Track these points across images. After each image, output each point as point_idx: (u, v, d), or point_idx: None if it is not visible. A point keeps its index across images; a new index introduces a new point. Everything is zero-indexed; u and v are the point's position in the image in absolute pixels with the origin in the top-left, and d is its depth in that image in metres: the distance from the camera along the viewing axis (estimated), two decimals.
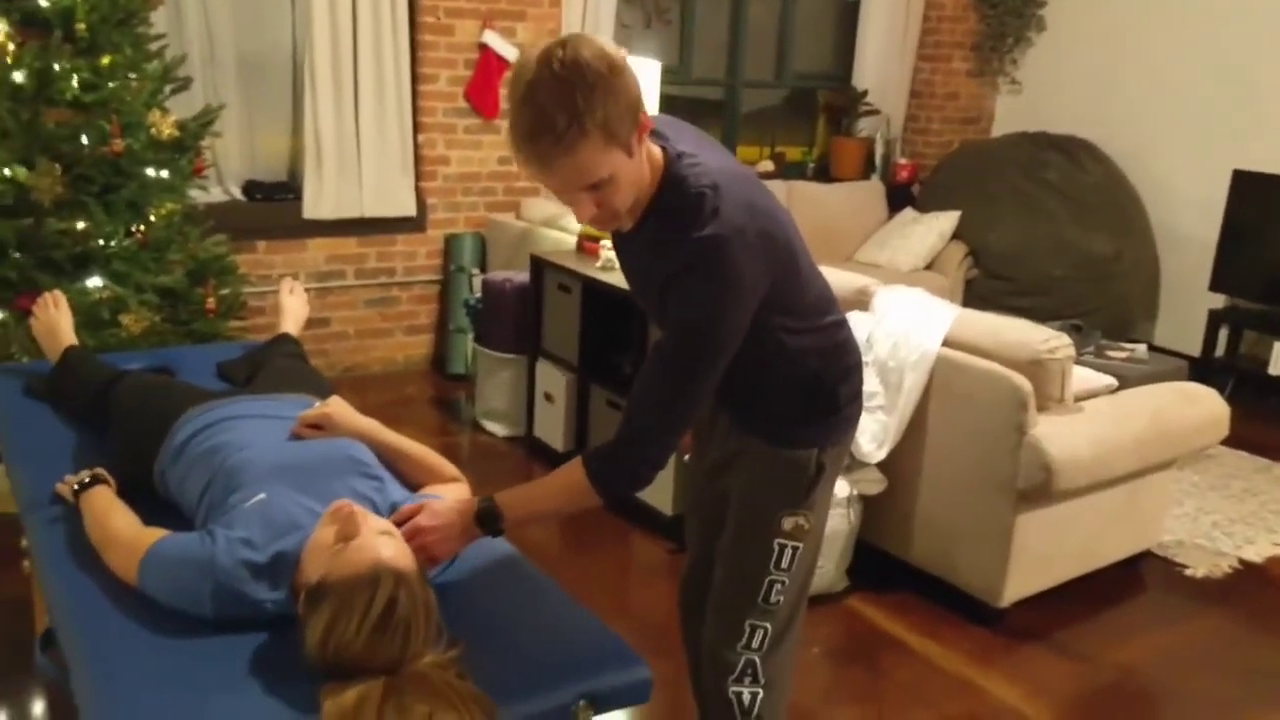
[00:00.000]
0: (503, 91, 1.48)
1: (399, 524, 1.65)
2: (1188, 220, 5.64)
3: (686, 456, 3.12)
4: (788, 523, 1.82)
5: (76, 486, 1.90)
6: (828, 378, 1.79)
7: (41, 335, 2.61)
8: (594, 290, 3.74)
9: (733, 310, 1.58)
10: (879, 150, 6.39)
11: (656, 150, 1.62)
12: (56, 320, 2.61)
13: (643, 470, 1.64)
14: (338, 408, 1.95)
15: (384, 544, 1.50)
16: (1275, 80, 5.29)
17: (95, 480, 1.90)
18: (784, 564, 1.84)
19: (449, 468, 1.95)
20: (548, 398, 4.04)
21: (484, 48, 4.87)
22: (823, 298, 1.78)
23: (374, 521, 1.55)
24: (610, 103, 1.45)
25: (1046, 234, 5.51)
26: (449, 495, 1.86)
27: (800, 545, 1.84)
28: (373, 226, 4.83)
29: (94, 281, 3.40)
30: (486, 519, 1.67)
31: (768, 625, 1.87)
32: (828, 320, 1.79)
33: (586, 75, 1.43)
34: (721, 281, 1.55)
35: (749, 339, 1.64)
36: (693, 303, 1.57)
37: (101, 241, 3.39)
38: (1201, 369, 5.05)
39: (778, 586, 1.85)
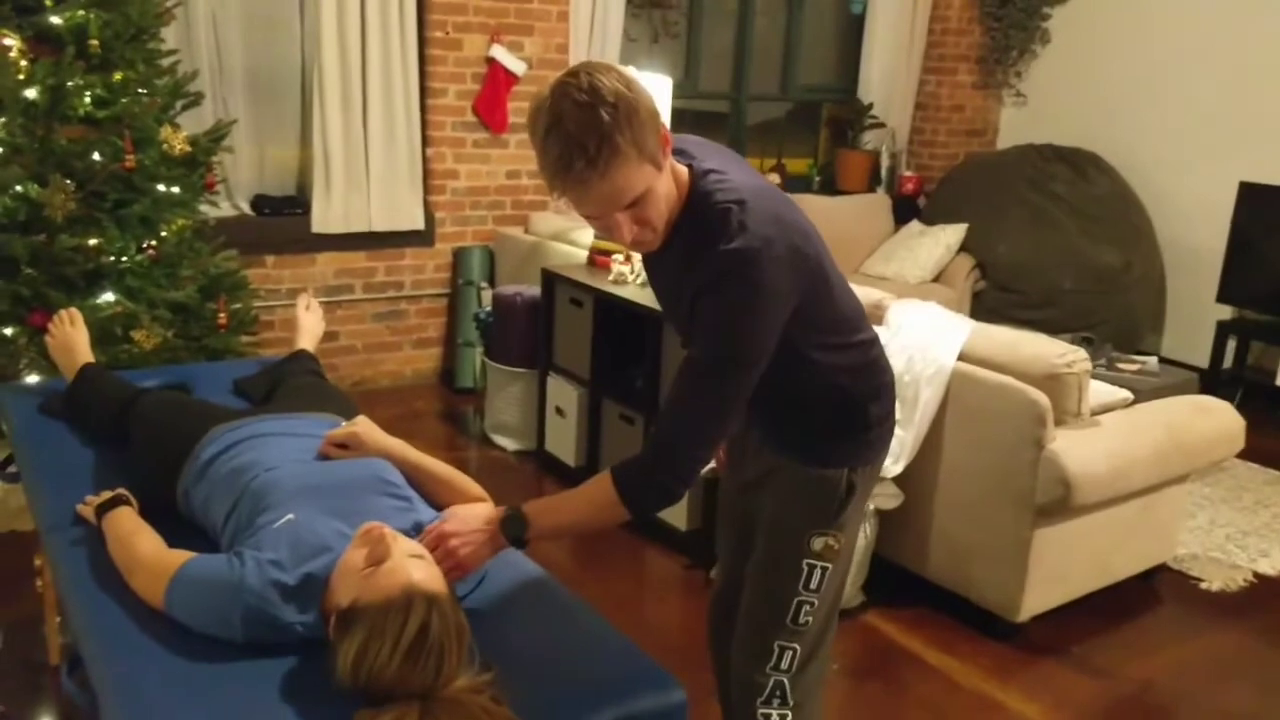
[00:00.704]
0: (528, 129, 1.48)
1: (426, 544, 1.64)
2: (1194, 232, 5.64)
3: (715, 472, 3.15)
4: (818, 543, 1.81)
5: (99, 507, 1.89)
6: (859, 396, 1.79)
7: (57, 353, 2.60)
8: (606, 304, 3.73)
9: (763, 322, 1.57)
10: (884, 163, 6.40)
11: (681, 168, 1.63)
12: (72, 337, 2.60)
13: (673, 486, 1.62)
14: (365, 427, 1.94)
15: (415, 567, 1.48)
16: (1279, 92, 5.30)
17: (118, 501, 1.89)
18: (813, 584, 1.83)
19: (475, 487, 1.94)
20: (559, 412, 4.03)
21: (492, 62, 4.87)
22: (854, 314, 1.77)
23: (405, 544, 1.54)
24: (635, 120, 1.46)
25: (1055, 246, 5.51)
26: None
27: (830, 566, 1.83)
28: (381, 240, 4.83)
29: (106, 297, 3.39)
30: (512, 525, 1.65)
31: (796, 646, 1.86)
32: (859, 338, 1.78)
33: (608, 96, 1.44)
34: (752, 293, 1.55)
35: (780, 356, 1.63)
36: (723, 316, 1.56)
37: (114, 258, 3.39)
38: (1209, 380, 5.05)
39: (806, 607, 1.84)
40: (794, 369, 1.70)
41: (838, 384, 1.76)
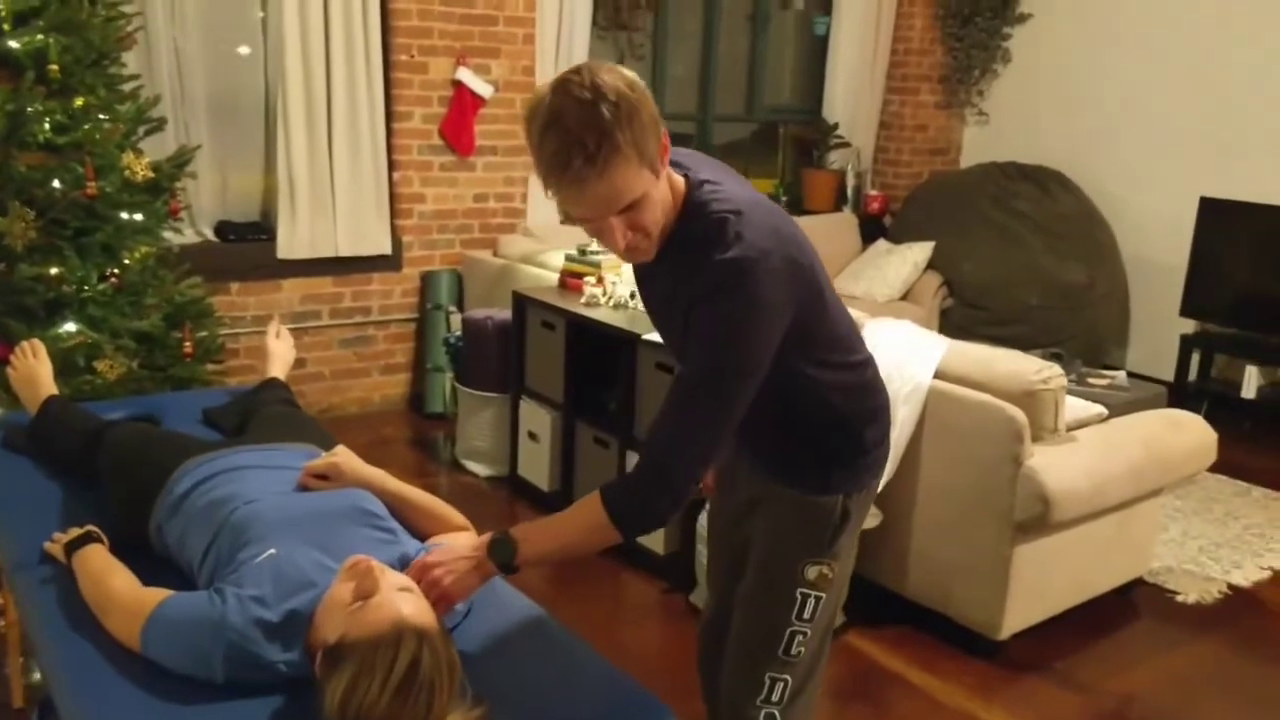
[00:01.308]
0: (524, 125, 1.43)
1: (411, 575, 1.59)
2: (1157, 247, 5.71)
3: (699, 495, 3.12)
4: (811, 572, 1.76)
5: (68, 545, 1.83)
6: (854, 418, 1.75)
7: (20, 385, 2.53)
8: (579, 327, 3.70)
9: (758, 335, 1.53)
10: (850, 182, 6.43)
11: (678, 177, 1.59)
12: (35, 369, 2.54)
13: (666, 505, 1.57)
14: (345, 457, 1.89)
15: (405, 601, 1.44)
16: (1239, 108, 5.39)
17: (88, 538, 1.83)
18: (806, 614, 1.78)
19: (457, 516, 1.90)
20: (532, 436, 3.99)
21: (458, 85, 4.85)
22: (849, 334, 1.74)
23: (393, 577, 1.50)
24: (636, 121, 1.42)
25: (1021, 263, 5.56)
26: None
27: (824, 595, 1.78)
28: (348, 265, 4.77)
29: (68, 328, 3.31)
30: (500, 550, 1.59)
31: (788, 678, 1.81)
32: (854, 358, 1.75)
33: (609, 95, 1.41)
34: (746, 304, 1.50)
35: (774, 375, 1.59)
36: (719, 327, 1.52)
37: (75, 287, 3.31)
38: (1176, 394, 5.10)
39: (799, 638, 1.79)
40: (788, 388, 1.67)
41: (832, 404, 1.72)
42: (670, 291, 1.62)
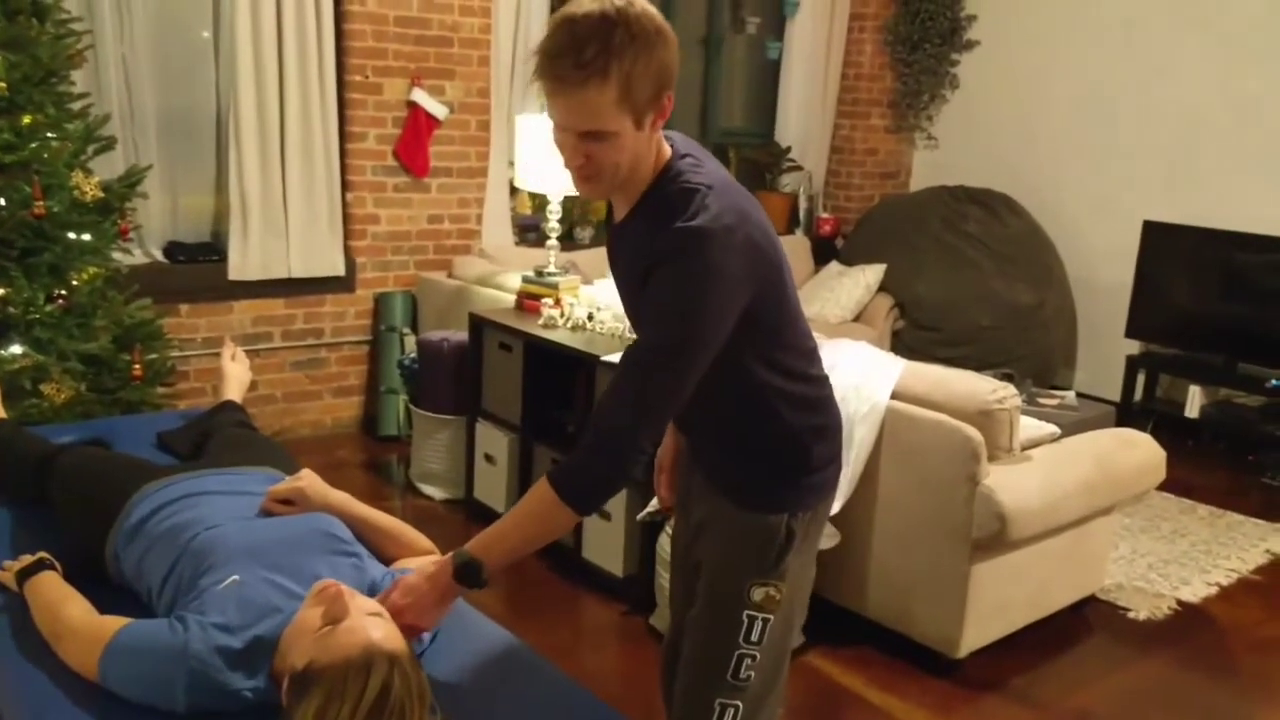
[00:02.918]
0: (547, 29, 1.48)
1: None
2: (1102, 270, 5.83)
3: (654, 516, 3.11)
4: (757, 593, 1.72)
5: (20, 573, 1.78)
6: (803, 434, 1.73)
7: None
8: (536, 348, 3.69)
9: (714, 302, 1.51)
10: (803, 205, 6.50)
11: (666, 147, 1.61)
12: None
13: (614, 475, 1.54)
14: (310, 481, 1.87)
15: (374, 625, 1.43)
16: (1181, 135, 5.53)
17: (41, 565, 1.79)
18: (754, 637, 1.74)
19: (422, 540, 1.89)
20: (488, 459, 3.96)
21: (413, 106, 4.83)
22: (807, 347, 1.74)
23: (361, 602, 1.48)
24: (642, 62, 1.43)
25: (971, 285, 5.64)
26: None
27: (771, 617, 1.74)
28: (300, 287, 4.72)
29: (14, 350, 3.24)
30: (467, 574, 1.56)
31: (739, 703, 1.76)
32: (811, 371, 1.75)
33: (632, 26, 1.42)
34: (704, 270, 1.49)
35: (726, 372, 1.58)
36: (673, 292, 1.51)
37: (21, 308, 3.24)
38: (1122, 413, 5.19)
39: (748, 661, 1.75)
40: (740, 391, 1.66)
41: (781, 416, 1.70)
42: (630, 257, 1.62)
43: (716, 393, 1.60)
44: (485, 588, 1.60)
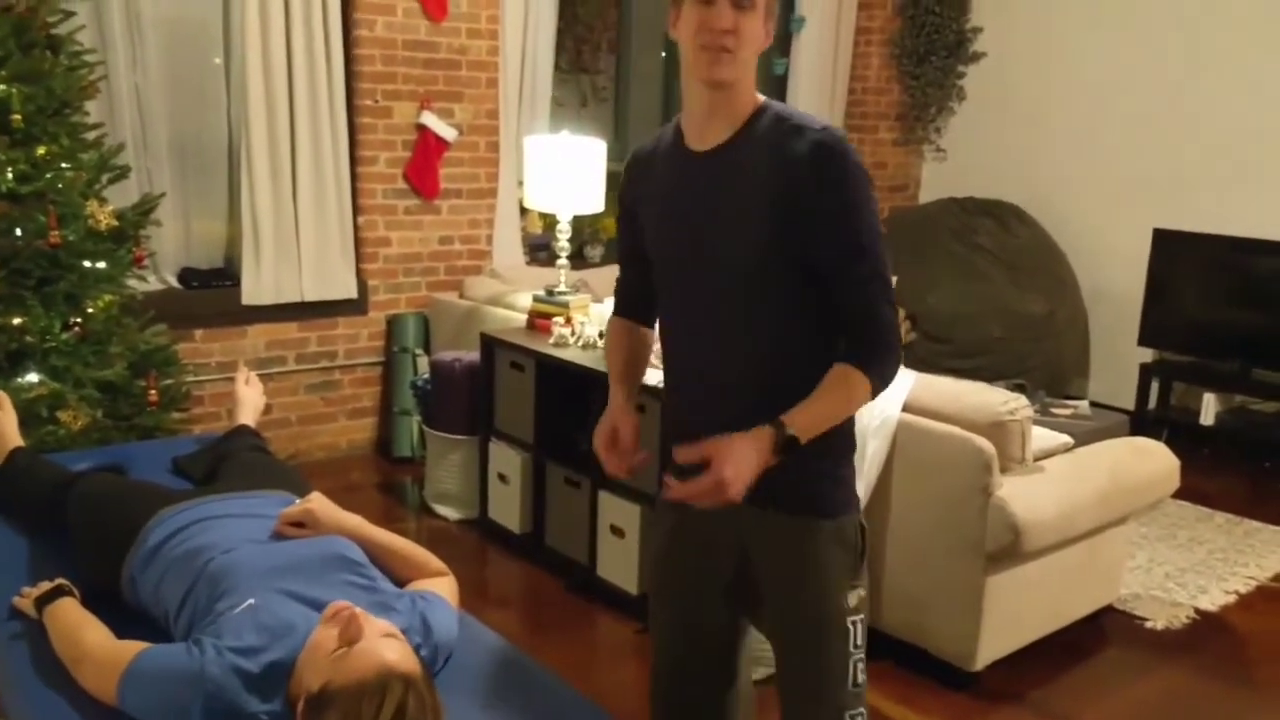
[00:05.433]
0: None
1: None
2: (1113, 278, 5.82)
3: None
4: (852, 598, 1.73)
5: (38, 600, 1.80)
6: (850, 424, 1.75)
7: None
8: (548, 367, 3.71)
9: (875, 203, 1.64)
10: None
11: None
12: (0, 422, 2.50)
13: (900, 358, 1.67)
14: (320, 504, 1.88)
15: (389, 647, 1.44)
16: (1190, 141, 5.53)
17: (59, 592, 1.81)
18: (858, 640, 1.74)
19: (435, 562, 1.90)
20: (502, 479, 3.97)
21: (422, 129, 4.86)
22: None
23: (376, 623, 1.49)
24: None
25: (983, 296, 5.64)
26: (439, 590, 1.80)
27: (864, 614, 1.76)
28: (313, 310, 4.75)
29: (30, 378, 3.28)
30: (788, 448, 1.57)
31: (862, 709, 1.77)
32: None
33: None
34: (861, 172, 1.60)
35: (819, 347, 1.65)
36: (853, 189, 1.58)
37: (38, 337, 3.28)
38: (1137, 422, 5.17)
39: (860, 665, 1.75)
40: (830, 357, 1.65)
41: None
42: (739, 175, 1.63)
43: (808, 362, 1.64)
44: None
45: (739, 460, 1.51)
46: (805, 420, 1.58)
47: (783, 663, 1.80)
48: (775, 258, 1.61)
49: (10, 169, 3.20)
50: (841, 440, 1.73)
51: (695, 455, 1.52)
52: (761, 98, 1.67)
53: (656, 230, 1.75)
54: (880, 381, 1.63)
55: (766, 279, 1.63)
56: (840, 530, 1.72)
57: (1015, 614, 3.07)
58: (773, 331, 1.66)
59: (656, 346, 1.91)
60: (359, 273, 4.85)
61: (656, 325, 1.89)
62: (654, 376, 2.69)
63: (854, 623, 1.73)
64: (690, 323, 1.73)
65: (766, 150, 1.60)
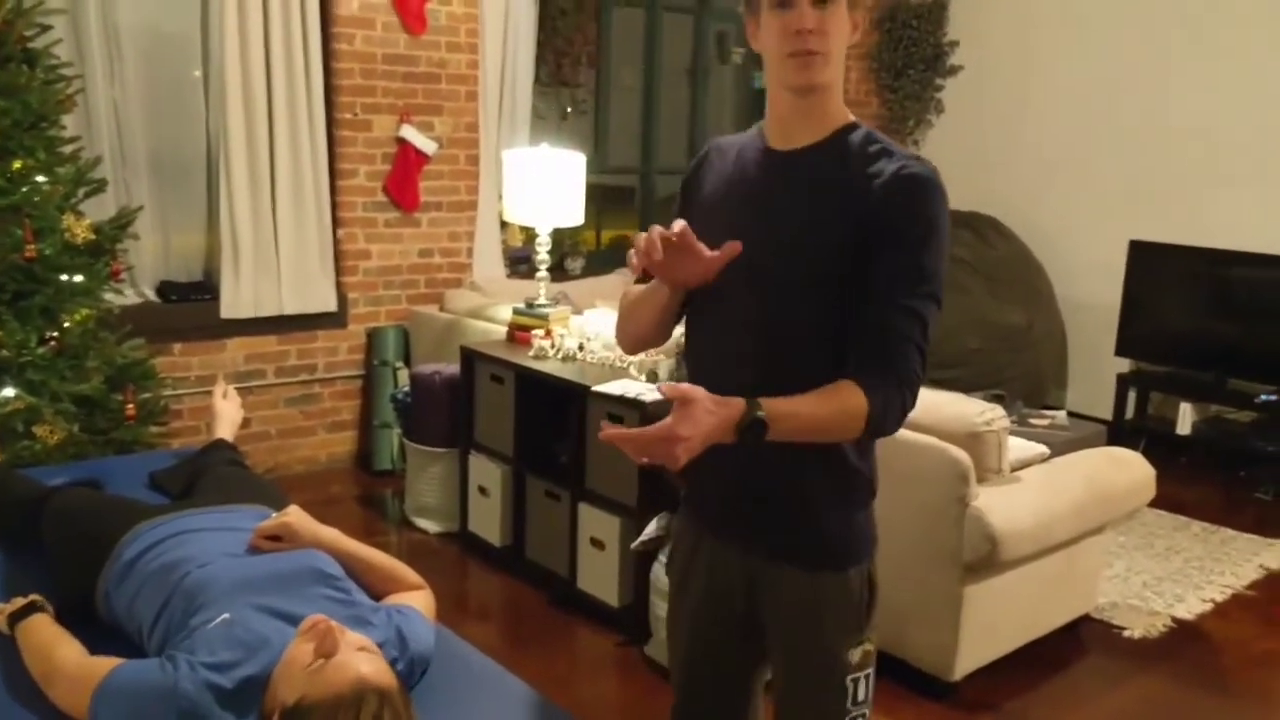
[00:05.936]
0: None
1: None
2: (1090, 290, 5.86)
3: (647, 545, 3.10)
4: (855, 655, 1.63)
5: (11, 615, 1.79)
6: (870, 447, 1.65)
7: None
8: (528, 380, 3.71)
9: (945, 249, 1.55)
10: None
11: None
12: None
13: (910, 409, 1.53)
14: (297, 517, 1.88)
15: (364, 660, 1.44)
16: (1165, 153, 5.58)
17: (32, 607, 1.79)
18: (860, 697, 1.65)
19: (412, 575, 1.90)
20: (482, 491, 3.97)
21: (402, 142, 4.87)
22: None
23: (351, 637, 1.49)
24: None
25: (961, 307, 5.67)
26: (415, 604, 1.80)
27: (871, 670, 1.66)
28: (292, 323, 4.74)
29: (6, 393, 3.25)
30: (751, 432, 1.41)
31: None
32: None
33: None
34: (941, 212, 1.52)
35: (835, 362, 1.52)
36: (926, 225, 1.50)
37: (14, 351, 3.26)
38: (1114, 432, 5.21)
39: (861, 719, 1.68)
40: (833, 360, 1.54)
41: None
42: (809, 185, 1.56)
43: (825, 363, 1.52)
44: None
45: (698, 420, 1.37)
46: (783, 409, 1.43)
47: (778, 711, 1.74)
48: (835, 259, 1.52)
49: None
50: (860, 490, 1.66)
51: (676, 392, 1.38)
52: (853, 116, 1.62)
53: (718, 213, 1.65)
54: (880, 412, 1.48)
55: (816, 278, 1.54)
56: (845, 584, 1.64)
57: (993, 624, 3.08)
58: (805, 322, 1.56)
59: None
60: (339, 286, 4.84)
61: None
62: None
63: (855, 680, 1.64)
64: (726, 306, 1.61)
65: (854, 162, 1.54)
